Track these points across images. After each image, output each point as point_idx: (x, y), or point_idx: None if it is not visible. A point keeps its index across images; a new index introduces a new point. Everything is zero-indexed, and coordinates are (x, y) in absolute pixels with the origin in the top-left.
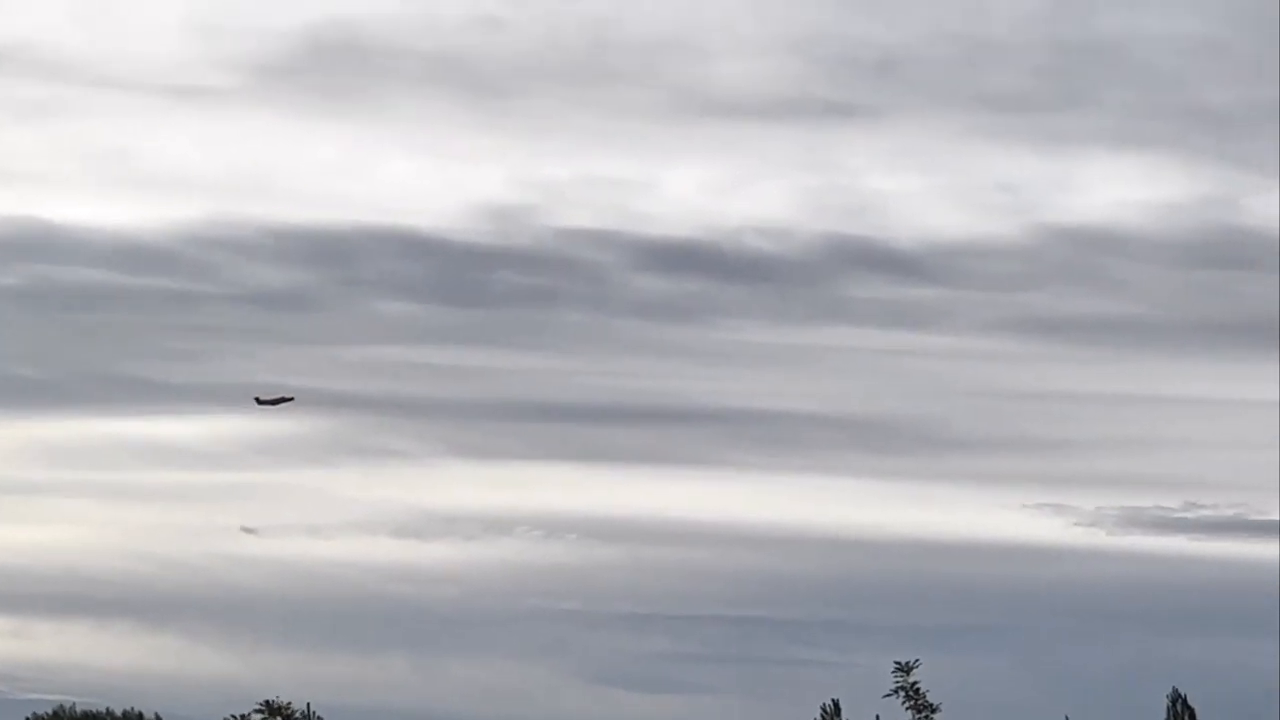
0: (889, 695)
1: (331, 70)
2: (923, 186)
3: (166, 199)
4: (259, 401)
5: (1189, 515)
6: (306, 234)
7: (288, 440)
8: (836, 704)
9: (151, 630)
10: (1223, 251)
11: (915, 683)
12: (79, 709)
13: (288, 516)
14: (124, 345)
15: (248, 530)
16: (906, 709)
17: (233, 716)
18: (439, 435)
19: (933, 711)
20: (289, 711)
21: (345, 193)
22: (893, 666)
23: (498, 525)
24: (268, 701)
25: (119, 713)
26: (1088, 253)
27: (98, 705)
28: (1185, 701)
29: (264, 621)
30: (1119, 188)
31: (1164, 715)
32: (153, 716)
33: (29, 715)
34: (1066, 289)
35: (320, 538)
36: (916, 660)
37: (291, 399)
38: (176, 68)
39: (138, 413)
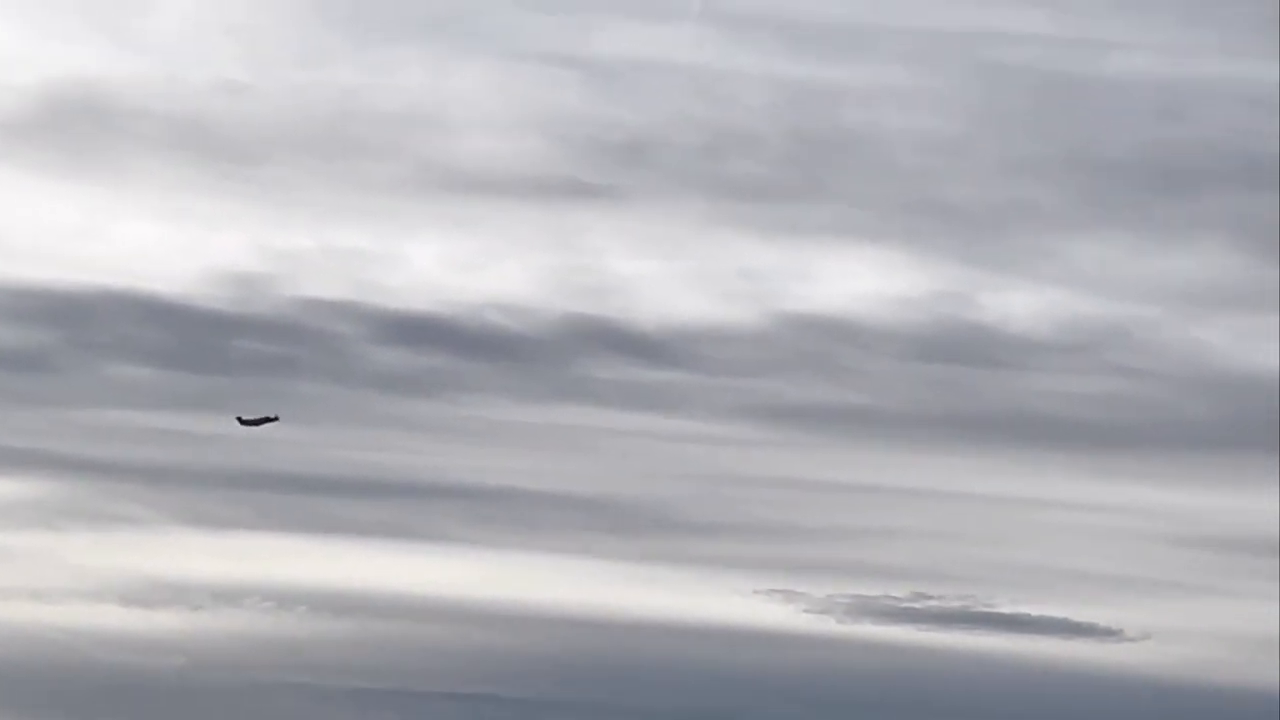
0: None
1: (71, 130)
2: (664, 270)
3: None
4: (241, 422)
5: (917, 605)
6: (43, 294)
7: (15, 502)
8: None
9: None
10: (956, 346)
11: None
12: None
13: (13, 580)
14: None
15: None
16: None
17: None
18: (170, 503)
19: None
20: None
21: (84, 254)
22: None
23: (227, 595)
24: None
25: None
26: (824, 342)
27: None
28: None
29: None
30: (856, 279)
31: None
32: None
33: None
34: (803, 377)
35: (45, 603)
36: None
37: (276, 418)
38: None
39: None
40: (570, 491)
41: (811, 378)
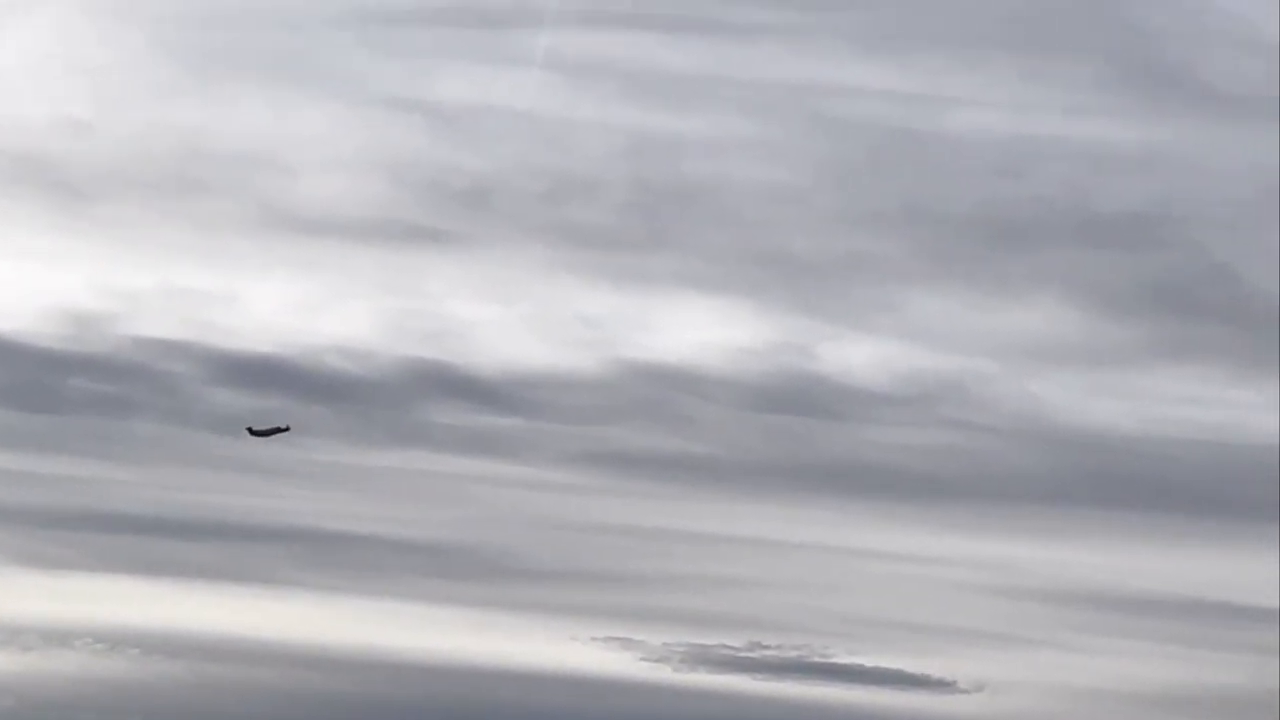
0: None
1: None
2: (505, 316)
3: None
4: (252, 432)
5: (753, 655)
6: None
7: None
8: None
9: None
10: (794, 397)
11: None
12: None
13: None
14: None
15: None
16: None
17: None
18: (1, 542)
19: None
20: None
21: None
22: None
23: (58, 637)
24: None
25: None
26: (664, 390)
27: None
28: None
29: None
30: (697, 328)
31: None
32: None
33: None
34: (642, 425)
35: None
36: None
37: (287, 429)
38: None
39: None
40: (408, 536)
41: (651, 426)
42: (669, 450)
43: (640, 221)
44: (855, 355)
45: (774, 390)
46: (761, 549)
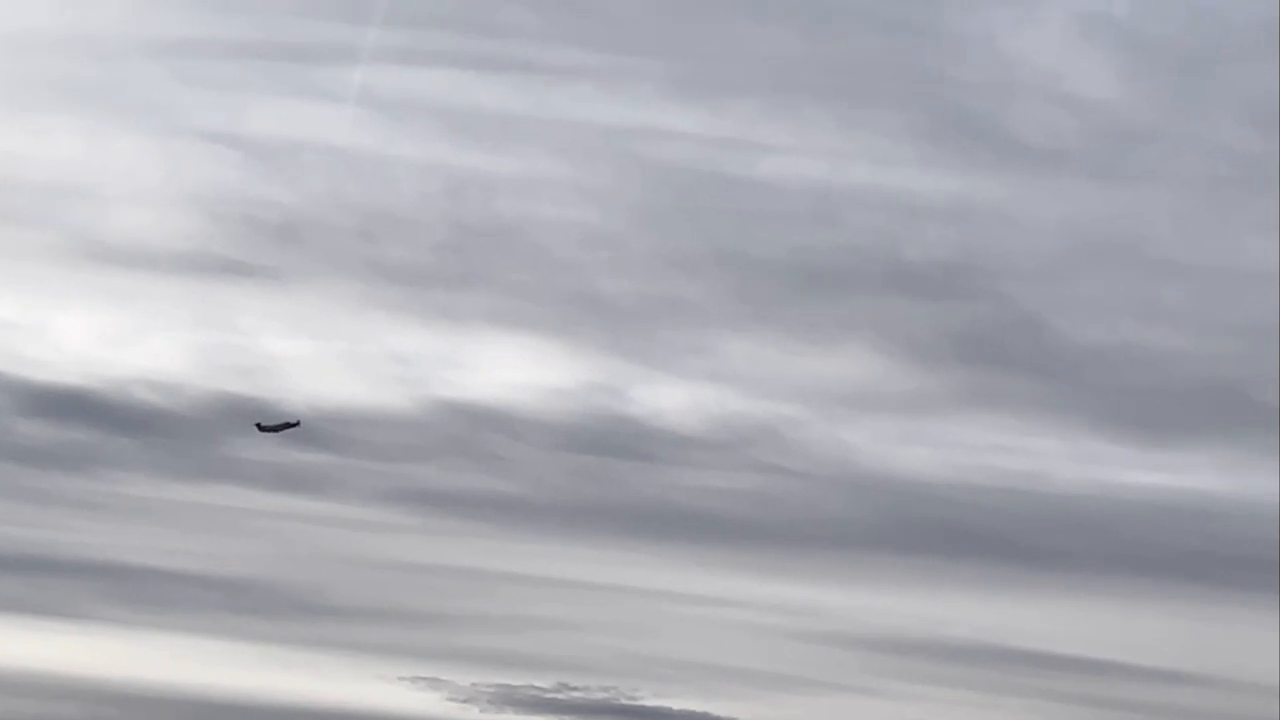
0: None
1: None
2: (317, 352)
3: None
4: (260, 428)
5: (561, 696)
6: None
7: None
8: None
9: None
10: (606, 439)
11: None
12: None
13: None
14: None
15: None
16: None
17: None
18: None
19: None
20: None
21: None
22: None
23: None
24: None
25: None
26: (476, 429)
27: None
28: None
29: None
30: (510, 368)
31: None
32: None
33: None
34: (453, 464)
35: None
36: None
37: (297, 423)
38: None
39: None
40: (215, 572)
41: (461, 464)
42: (479, 489)
43: (454, 260)
44: (666, 398)
45: (584, 431)
46: (570, 590)
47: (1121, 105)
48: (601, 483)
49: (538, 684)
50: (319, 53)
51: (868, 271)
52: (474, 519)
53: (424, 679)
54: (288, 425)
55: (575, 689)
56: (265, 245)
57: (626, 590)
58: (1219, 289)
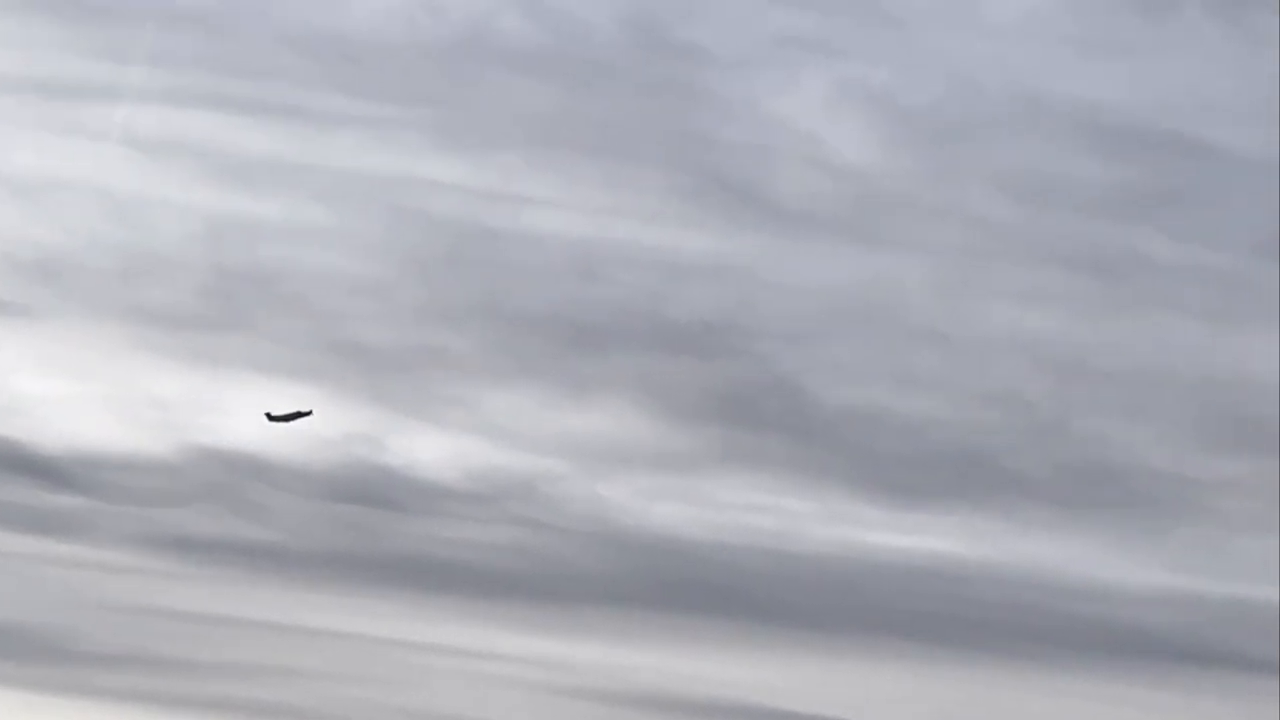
0: None
1: None
2: (73, 393)
3: None
4: (270, 418)
5: None
6: None
7: None
8: None
9: None
10: (364, 488)
11: None
12: None
13: None
14: None
15: None
16: None
17: None
18: None
19: None
20: None
21: None
22: None
23: None
24: None
25: None
26: (233, 476)
27: None
28: None
29: None
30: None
31: None
32: None
33: None
34: (210, 510)
35: None
36: None
37: (309, 413)
38: None
39: None
40: None
41: (219, 511)
42: (236, 536)
43: (215, 304)
44: (425, 449)
45: (344, 480)
46: (326, 640)
47: (879, 171)
48: (358, 532)
49: None
50: (81, 90)
51: (629, 328)
52: (230, 565)
53: None
54: (299, 415)
55: None
56: (21, 283)
57: (382, 641)
58: (971, 357)
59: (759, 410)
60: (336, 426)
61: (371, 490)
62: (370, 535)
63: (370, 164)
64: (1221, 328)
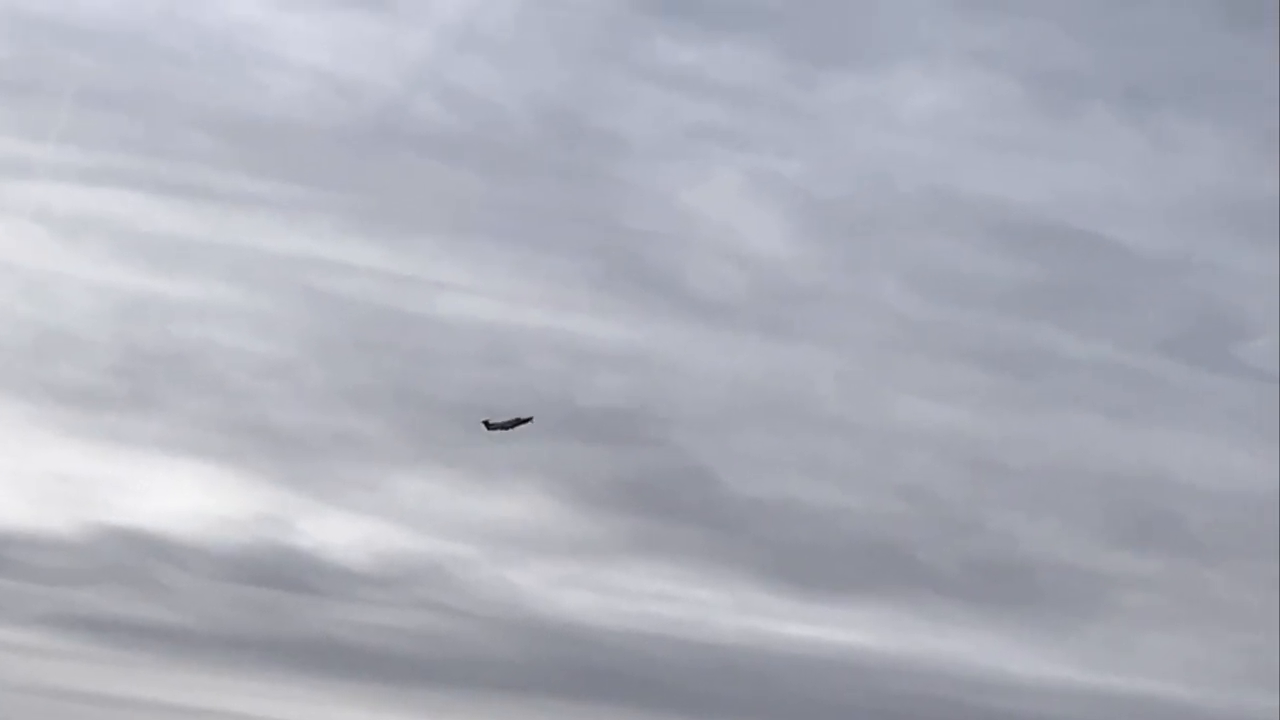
0: None
1: None
2: None
3: None
4: (489, 426)
5: None
6: None
7: None
8: None
9: None
10: (272, 570)
11: None
12: None
13: None
14: None
15: None
16: None
17: None
18: None
19: None
20: None
21: None
22: None
23: None
24: None
25: None
26: (140, 556)
27: None
28: None
29: None
30: (177, 495)
31: None
32: None
33: None
34: (115, 590)
35: None
36: None
37: (530, 419)
38: None
39: None
40: None
41: (124, 591)
42: (141, 617)
43: (124, 383)
44: (335, 532)
45: (251, 562)
46: None
47: (790, 263)
48: (266, 615)
49: None
50: None
51: (541, 414)
52: (135, 647)
53: None
54: (519, 422)
55: None
56: None
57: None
58: (881, 449)
59: (670, 499)
60: (245, 508)
61: (279, 573)
62: (278, 618)
63: (283, 246)
64: (1129, 425)
